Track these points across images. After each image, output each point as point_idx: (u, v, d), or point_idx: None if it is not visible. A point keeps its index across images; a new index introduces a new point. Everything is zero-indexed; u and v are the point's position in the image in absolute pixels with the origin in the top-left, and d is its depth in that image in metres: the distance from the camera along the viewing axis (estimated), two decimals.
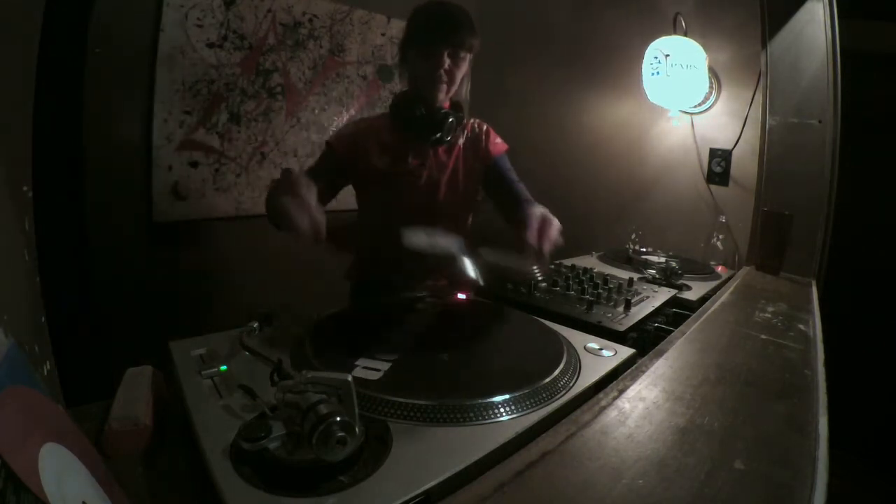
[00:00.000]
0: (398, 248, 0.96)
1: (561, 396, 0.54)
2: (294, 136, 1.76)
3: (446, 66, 1.01)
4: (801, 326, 0.88)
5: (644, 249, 1.56)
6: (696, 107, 1.60)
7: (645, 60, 1.56)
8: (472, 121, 1.18)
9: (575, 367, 0.61)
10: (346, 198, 1.13)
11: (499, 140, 1.19)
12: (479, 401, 0.50)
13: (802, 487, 0.41)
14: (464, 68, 1.05)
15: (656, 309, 0.88)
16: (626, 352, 0.67)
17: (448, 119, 1.04)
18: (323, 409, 0.38)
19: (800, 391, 0.61)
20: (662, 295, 0.95)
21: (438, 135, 1.05)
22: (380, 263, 1.13)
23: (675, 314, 0.96)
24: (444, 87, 1.03)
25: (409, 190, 1.09)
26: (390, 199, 1.10)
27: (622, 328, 0.75)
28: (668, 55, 1.49)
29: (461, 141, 1.14)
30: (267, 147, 1.69)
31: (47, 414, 0.35)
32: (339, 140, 1.11)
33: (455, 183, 1.13)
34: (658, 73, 1.52)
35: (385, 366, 0.57)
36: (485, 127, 1.20)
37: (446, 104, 1.07)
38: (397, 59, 1.13)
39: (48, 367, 0.81)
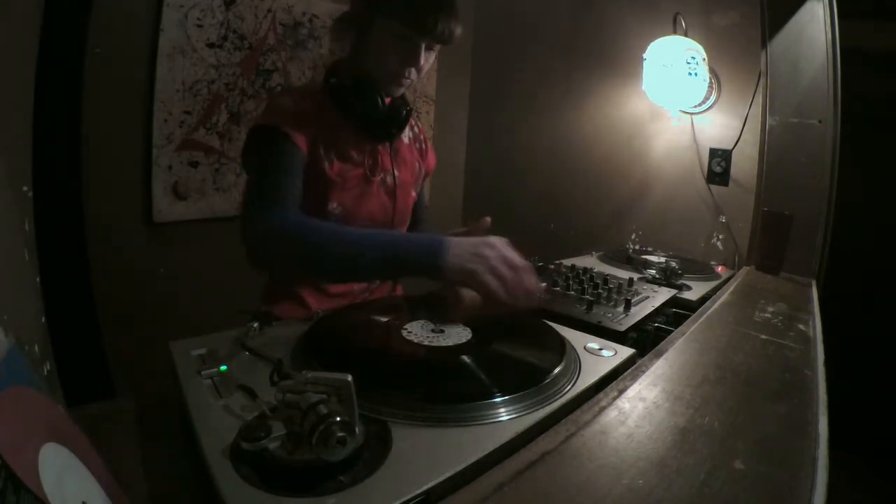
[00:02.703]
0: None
1: (561, 396, 0.54)
2: None
3: (423, 62, 0.81)
4: (801, 326, 0.88)
5: (644, 249, 1.56)
6: (695, 107, 1.61)
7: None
8: None
9: (575, 367, 0.61)
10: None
11: (430, 145, 1.06)
12: (479, 401, 0.50)
13: (802, 487, 0.41)
14: (433, 60, 0.86)
15: (656, 309, 0.88)
16: (626, 352, 0.67)
17: (405, 115, 0.88)
18: (323, 409, 0.38)
19: (800, 391, 0.61)
20: (662, 295, 0.95)
21: (393, 132, 0.89)
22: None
23: (675, 314, 0.96)
24: (409, 84, 0.85)
25: (366, 195, 0.89)
26: (346, 206, 0.86)
27: (622, 328, 0.75)
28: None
29: (406, 139, 0.98)
30: None
31: (47, 414, 0.35)
32: (283, 118, 0.78)
33: (405, 187, 0.96)
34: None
35: None
36: (419, 126, 1.05)
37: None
38: (342, 17, 0.85)
39: (48, 367, 0.82)
